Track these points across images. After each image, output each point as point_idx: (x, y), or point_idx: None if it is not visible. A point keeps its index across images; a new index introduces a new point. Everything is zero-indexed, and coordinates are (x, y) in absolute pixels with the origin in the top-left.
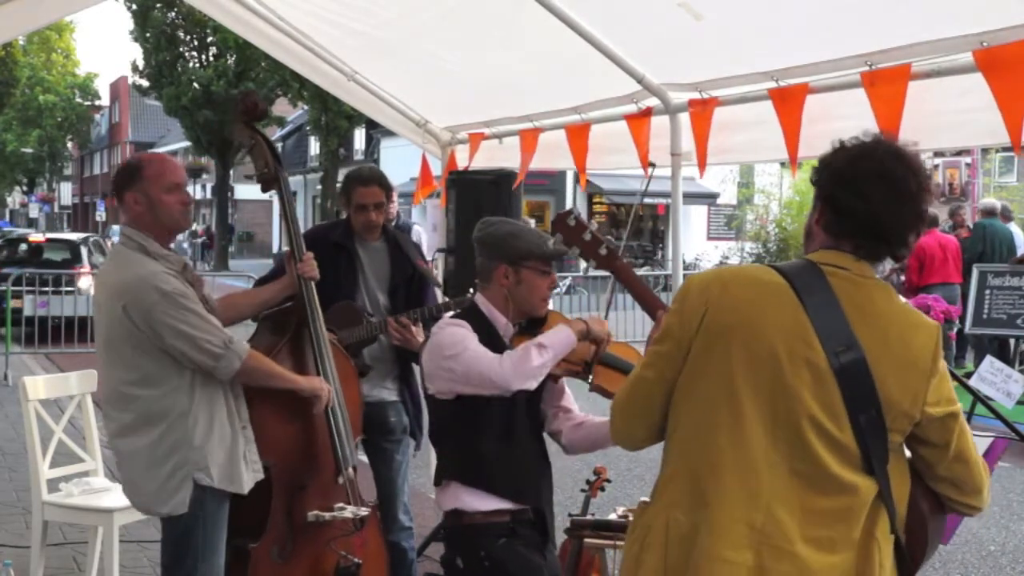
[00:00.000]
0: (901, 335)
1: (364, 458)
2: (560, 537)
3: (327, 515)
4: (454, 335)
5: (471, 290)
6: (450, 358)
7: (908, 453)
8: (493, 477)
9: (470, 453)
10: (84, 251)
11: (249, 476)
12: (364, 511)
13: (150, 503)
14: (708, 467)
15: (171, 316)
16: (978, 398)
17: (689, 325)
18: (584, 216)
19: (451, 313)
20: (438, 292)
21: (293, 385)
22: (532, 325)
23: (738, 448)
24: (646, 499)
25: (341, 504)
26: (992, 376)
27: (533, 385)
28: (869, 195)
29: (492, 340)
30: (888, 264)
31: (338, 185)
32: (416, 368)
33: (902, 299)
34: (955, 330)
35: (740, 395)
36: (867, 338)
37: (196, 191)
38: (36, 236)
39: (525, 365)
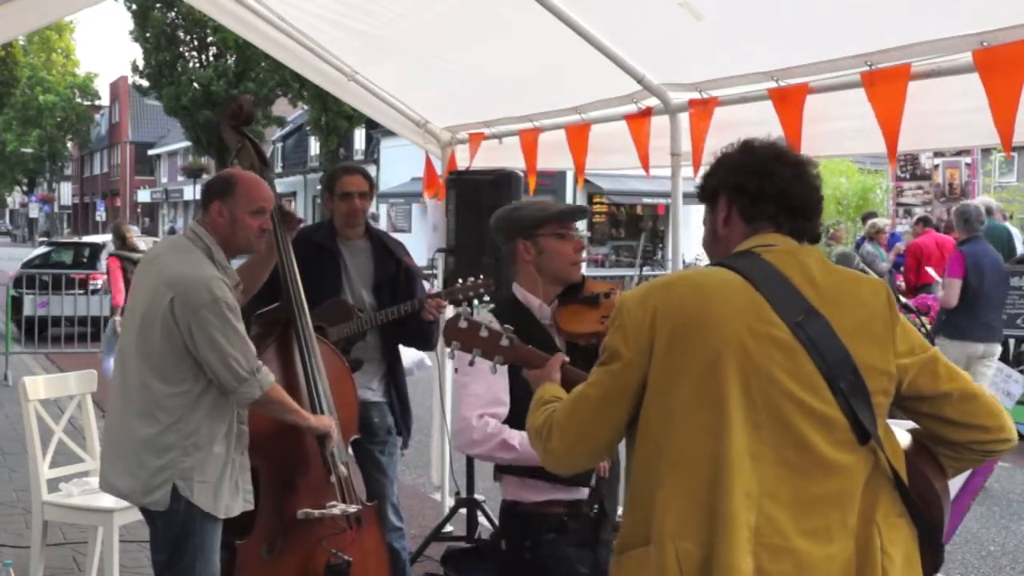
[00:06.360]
0: (851, 291)
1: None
2: None
3: (316, 513)
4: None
5: (479, 275)
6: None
7: (907, 438)
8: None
9: None
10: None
11: (237, 503)
12: (354, 508)
13: (130, 489)
14: (706, 479)
15: (212, 324)
16: None
17: (637, 340)
18: (475, 315)
19: (490, 307)
20: (426, 284)
21: (304, 423)
22: (570, 292)
23: (725, 450)
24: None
25: (332, 502)
26: (992, 376)
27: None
28: (777, 172)
29: (531, 331)
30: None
31: None
32: (404, 367)
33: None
34: None
35: (715, 393)
36: (820, 302)
37: (195, 191)
38: None
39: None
